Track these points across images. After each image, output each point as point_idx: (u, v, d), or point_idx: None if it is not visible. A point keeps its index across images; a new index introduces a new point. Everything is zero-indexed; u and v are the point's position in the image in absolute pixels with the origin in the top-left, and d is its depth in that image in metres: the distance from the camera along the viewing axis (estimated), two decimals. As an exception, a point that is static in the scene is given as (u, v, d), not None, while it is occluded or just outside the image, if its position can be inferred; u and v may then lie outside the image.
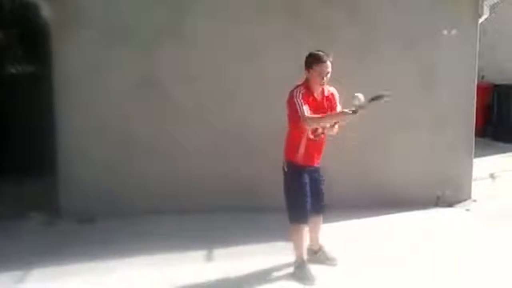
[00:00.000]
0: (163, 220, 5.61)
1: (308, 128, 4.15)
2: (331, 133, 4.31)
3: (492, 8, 6.51)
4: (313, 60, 4.17)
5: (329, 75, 4.19)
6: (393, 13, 6.04)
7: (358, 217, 5.72)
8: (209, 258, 4.81)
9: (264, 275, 4.43)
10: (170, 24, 5.85)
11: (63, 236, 5.37)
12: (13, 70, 8.15)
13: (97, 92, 5.87)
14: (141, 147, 5.96)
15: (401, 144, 6.15)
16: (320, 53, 4.18)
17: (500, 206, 6.23)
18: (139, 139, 5.94)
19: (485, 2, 6.21)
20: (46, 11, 5.75)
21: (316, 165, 4.41)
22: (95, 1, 5.81)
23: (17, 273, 4.47)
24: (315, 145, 4.31)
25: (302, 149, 4.25)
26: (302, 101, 4.10)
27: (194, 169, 5.94)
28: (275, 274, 4.47)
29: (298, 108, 4.08)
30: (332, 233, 5.08)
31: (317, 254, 4.66)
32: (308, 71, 4.21)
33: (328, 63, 4.16)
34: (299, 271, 4.35)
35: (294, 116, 4.12)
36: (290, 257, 4.46)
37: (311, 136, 4.24)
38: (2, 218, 5.78)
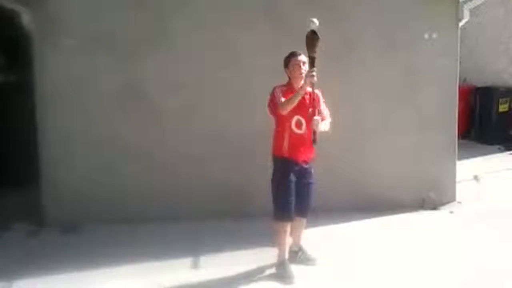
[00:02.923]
0: (149, 227, 5.57)
1: (285, 113, 4.24)
2: (323, 129, 4.35)
3: (473, 11, 6.59)
4: (288, 57, 4.45)
5: (305, 66, 4.33)
6: (374, 16, 6.08)
7: (342, 221, 5.74)
8: (195, 265, 4.78)
9: (251, 280, 4.43)
10: (153, 32, 5.83)
11: (47, 247, 5.30)
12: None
13: (80, 101, 5.83)
14: (126, 154, 5.92)
15: (384, 147, 6.19)
16: (292, 51, 4.45)
17: (484, 208, 6.28)
18: (124, 147, 5.90)
19: (465, 6, 6.29)
20: (27, 20, 5.70)
21: (303, 163, 4.44)
22: (78, 9, 5.77)
23: (0, 284, 4.40)
24: (301, 139, 4.37)
25: (286, 143, 4.36)
26: (281, 94, 4.29)
27: (181, 175, 5.91)
28: (261, 277, 4.48)
29: (278, 100, 4.27)
30: (316, 236, 5.14)
31: (298, 255, 4.73)
32: (287, 69, 4.44)
33: (302, 56, 4.37)
34: (280, 269, 4.44)
35: (275, 107, 4.31)
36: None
37: (296, 130, 4.33)
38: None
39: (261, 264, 4.65)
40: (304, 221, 4.66)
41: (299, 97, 4.18)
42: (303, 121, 4.35)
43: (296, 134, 4.36)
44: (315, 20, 4.23)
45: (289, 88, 4.38)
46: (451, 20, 6.21)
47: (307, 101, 4.35)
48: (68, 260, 4.86)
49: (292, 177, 4.38)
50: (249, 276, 4.50)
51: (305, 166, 4.47)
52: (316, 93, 4.43)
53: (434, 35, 6.15)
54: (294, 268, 4.49)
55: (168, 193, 5.87)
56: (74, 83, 5.80)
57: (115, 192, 5.88)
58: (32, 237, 5.55)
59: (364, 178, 6.16)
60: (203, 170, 5.94)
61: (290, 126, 4.34)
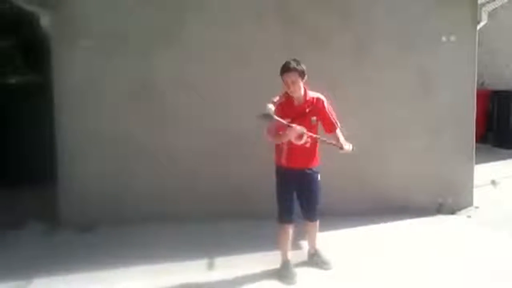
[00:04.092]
0: (162, 228, 5.58)
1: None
2: (298, 142, 4.30)
3: (491, 14, 6.51)
4: (281, 69, 4.25)
5: (294, 84, 4.20)
6: (391, 19, 6.04)
7: (358, 225, 5.69)
8: (208, 267, 4.77)
9: (263, 282, 4.41)
10: (166, 32, 5.86)
11: (62, 246, 5.34)
12: (12, 80, 8.14)
13: (96, 100, 5.88)
14: (139, 155, 5.94)
15: (401, 151, 6.14)
16: (288, 61, 4.23)
17: (501, 213, 6.20)
18: (139, 146, 5.93)
19: (484, 8, 6.22)
20: (45, 21, 5.76)
21: (304, 168, 4.40)
22: (95, 10, 5.82)
23: (16, 283, 4.44)
24: (301, 149, 4.31)
25: (285, 153, 4.35)
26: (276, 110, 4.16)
27: (195, 175, 5.93)
28: (274, 279, 4.45)
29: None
30: (330, 241, 5.10)
31: (313, 258, 4.72)
32: (282, 80, 4.28)
33: (291, 72, 4.18)
34: (281, 269, 4.45)
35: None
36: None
37: (296, 142, 4.27)
38: (2, 228, 5.75)
39: (275, 266, 4.60)
40: (315, 224, 4.65)
41: (285, 139, 4.19)
42: (304, 131, 4.27)
43: (295, 147, 4.30)
44: (270, 106, 4.08)
45: (287, 99, 4.29)
46: (469, 23, 6.13)
47: (307, 111, 4.29)
48: (83, 259, 4.89)
49: (292, 184, 4.39)
50: (262, 278, 4.47)
51: (308, 172, 4.42)
52: (317, 98, 4.35)
53: (452, 38, 6.08)
54: (308, 271, 4.50)
55: (182, 193, 5.89)
56: (91, 83, 5.85)
57: (130, 192, 5.91)
58: (47, 236, 5.59)
59: (381, 182, 6.11)
60: (216, 170, 5.94)
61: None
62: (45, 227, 5.74)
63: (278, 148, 4.42)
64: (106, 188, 5.88)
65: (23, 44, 7.86)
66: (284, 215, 4.40)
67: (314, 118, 4.32)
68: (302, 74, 4.24)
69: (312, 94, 4.36)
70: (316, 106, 4.32)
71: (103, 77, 5.85)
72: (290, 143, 4.29)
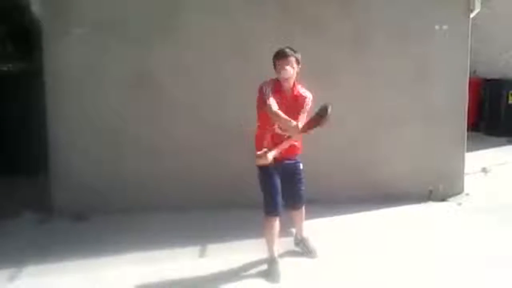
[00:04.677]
0: (156, 216, 5.60)
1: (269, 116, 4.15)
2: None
3: (484, 2, 6.52)
4: (275, 55, 4.22)
5: (289, 71, 4.15)
6: (385, 7, 6.04)
7: (347, 212, 5.73)
8: (201, 254, 4.81)
9: (256, 269, 4.44)
10: (163, 20, 5.83)
11: (56, 234, 5.35)
12: (3, 68, 8.09)
13: (89, 89, 5.85)
14: (134, 144, 5.94)
15: (393, 138, 6.17)
16: (283, 47, 4.20)
17: (492, 200, 6.27)
18: (132, 136, 5.93)
19: (477, -3, 6.23)
20: (37, 7, 5.71)
21: (287, 159, 4.37)
22: (87, -3, 5.78)
23: (9, 271, 4.46)
24: (283, 139, 4.25)
25: (267, 143, 4.24)
26: (270, 93, 4.14)
27: (187, 165, 5.93)
28: (259, 266, 4.49)
29: (267, 97, 4.13)
30: (321, 227, 5.16)
31: (299, 245, 4.75)
32: (274, 68, 4.24)
33: (288, 57, 4.15)
34: (268, 266, 4.38)
35: (263, 104, 4.14)
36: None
37: (279, 131, 4.24)
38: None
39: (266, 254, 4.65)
40: (301, 211, 4.65)
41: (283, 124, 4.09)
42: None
43: (279, 135, 4.26)
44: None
45: (277, 85, 4.22)
46: (462, 11, 6.13)
47: (292, 104, 4.24)
48: (76, 248, 4.90)
49: (275, 175, 4.29)
50: (255, 265, 4.50)
51: (290, 161, 4.40)
52: (304, 95, 4.30)
53: (445, 27, 6.09)
54: (297, 262, 4.53)
55: (177, 183, 5.89)
56: (85, 72, 5.82)
57: (124, 181, 5.91)
58: (41, 224, 5.60)
59: (372, 169, 6.15)
60: (212, 159, 5.95)
61: (273, 128, 4.25)
62: (39, 217, 5.74)
63: (260, 137, 4.33)
64: (100, 177, 5.88)
65: (15, 32, 7.78)
66: (271, 208, 4.28)
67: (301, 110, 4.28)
68: (297, 62, 4.23)
69: (302, 90, 4.31)
70: (299, 101, 4.28)
71: (98, 65, 5.81)
72: (271, 135, 4.25)
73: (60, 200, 5.82)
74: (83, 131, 5.87)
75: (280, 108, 4.12)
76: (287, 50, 4.20)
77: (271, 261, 4.38)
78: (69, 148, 5.86)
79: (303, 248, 4.74)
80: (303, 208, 4.66)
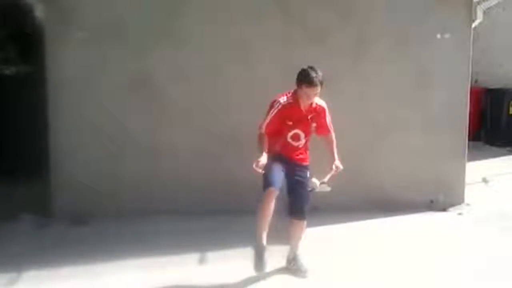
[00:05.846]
0: (155, 221, 5.58)
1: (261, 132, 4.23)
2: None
3: (486, 12, 6.54)
4: (303, 80, 4.10)
5: (315, 96, 4.16)
6: (387, 15, 6.06)
7: (348, 221, 5.72)
8: (201, 261, 4.79)
9: (258, 276, 4.37)
10: (163, 24, 5.85)
11: (56, 238, 5.34)
12: (5, 71, 8.10)
13: (90, 93, 5.86)
14: (134, 147, 5.94)
15: (393, 148, 6.16)
16: (312, 74, 4.07)
17: (492, 210, 6.25)
18: (132, 140, 5.93)
19: (479, 7, 6.25)
20: (39, 11, 5.72)
21: (295, 161, 4.33)
22: (89, 1, 5.79)
23: (8, 276, 4.44)
24: (295, 148, 4.30)
25: (279, 147, 4.27)
26: (276, 112, 4.16)
27: (187, 170, 5.93)
28: (268, 273, 4.43)
29: (265, 120, 4.21)
30: (320, 236, 5.12)
31: (290, 264, 4.51)
32: (298, 87, 4.17)
33: (317, 87, 4.08)
34: (254, 254, 4.14)
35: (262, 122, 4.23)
36: (281, 261, 4.49)
37: (291, 141, 4.27)
38: (-6, 220, 5.74)
39: (269, 260, 4.61)
40: (301, 225, 4.39)
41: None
42: (302, 135, 4.25)
43: (291, 144, 4.28)
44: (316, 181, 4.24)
45: (295, 101, 4.18)
46: (464, 21, 6.15)
47: (309, 117, 4.25)
48: (76, 252, 4.89)
49: (282, 164, 4.20)
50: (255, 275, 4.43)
51: (298, 163, 4.34)
52: (321, 106, 4.29)
53: (447, 36, 6.10)
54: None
55: (177, 189, 5.88)
56: (86, 75, 5.84)
57: (123, 186, 5.91)
58: (40, 228, 5.60)
59: (373, 178, 6.14)
60: (213, 165, 5.94)
61: (285, 137, 4.26)
62: (39, 221, 5.73)
63: (272, 142, 4.27)
64: (99, 181, 5.87)
65: (18, 35, 7.80)
66: (269, 181, 4.04)
67: (314, 124, 4.29)
68: (321, 86, 4.14)
69: (317, 100, 4.28)
70: (318, 114, 4.29)
71: (98, 69, 5.83)
72: (283, 142, 4.26)
73: (60, 204, 5.81)
74: (83, 135, 5.88)
75: (291, 120, 4.18)
76: (316, 78, 4.06)
77: (257, 249, 4.12)
78: (69, 151, 5.86)
79: (293, 266, 4.48)
80: (304, 223, 4.41)
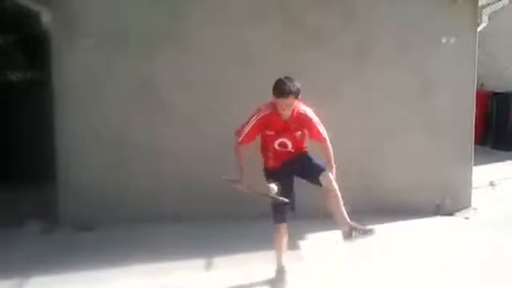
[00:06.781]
0: (162, 227, 5.57)
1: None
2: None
3: (491, 16, 6.52)
4: (274, 90, 4.01)
5: (289, 107, 4.03)
6: (389, 19, 6.05)
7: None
8: (207, 266, 4.78)
9: (265, 281, 4.40)
10: (167, 29, 5.87)
11: (62, 244, 5.35)
12: (12, 77, 8.14)
13: (96, 99, 5.88)
14: (140, 153, 5.94)
15: (400, 152, 6.14)
16: (282, 85, 3.96)
17: (500, 214, 6.22)
18: (139, 146, 5.93)
19: (484, 10, 6.23)
20: (45, 18, 5.76)
21: (293, 155, 4.28)
22: (94, 8, 5.82)
23: (14, 281, 4.44)
24: (285, 153, 4.25)
25: (271, 155, 4.27)
26: (255, 122, 4.15)
27: (194, 175, 5.92)
28: (266, 277, 4.44)
29: (242, 128, 4.22)
30: (326, 241, 5.09)
31: (353, 233, 4.33)
32: (273, 97, 4.08)
33: (287, 98, 3.96)
34: (275, 275, 4.34)
35: (240, 129, 4.23)
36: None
37: (279, 148, 4.23)
38: (1, 227, 5.74)
39: (274, 265, 4.60)
40: (332, 188, 4.25)
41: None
42: (289, 142, 4.20)
43: (282, 150, 4.24)
44: (274, 186, 4.12)
45: (274, 111, 4.09)
46: (469, 25, 6.14)
47: (291, 127, 4.16)
48: (81, 258, 4.88)
49: (285, 176, 4.25)
50: (261, 277, 4.46)
51: (297, 154, 4.26)
52: (303, 114, 4.14)
53: (452, 40, 6.09)
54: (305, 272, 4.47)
55: (181, 194, 5.88)
56: (91, 82, 5.85)
57: (129, 192, 5.90)
58: (46, 234, 5.60)
59: (379, 182, 6.11)
60: (217, 170, 5.91)
61: (273, 146, 4.23)
62: (44, 226, 5.73)
63: (263, 152, 4.32)
64: (105, 187, 5.87)
65: (23, 42, 7.85)
66: (277, 215, 4.26)
67: (299, 132, 4.21)
68: (297, 95, 4.05)
69: (301, 108, 4.17)
70: (301, 122, 4.17)
71: (103, 75, 5.85)
72: (273, 152, 4.24)
73: (66, 210, 5.81)
74: (90, 141, 5.89)
75: (273, 131, 4.15)
76: (286, 88, 3.95)
77: (278, 270, 4.35)
78: (75, 157, 5.86)
79: (357, 233, 4.29)
80: (336, 190, 4.28)
